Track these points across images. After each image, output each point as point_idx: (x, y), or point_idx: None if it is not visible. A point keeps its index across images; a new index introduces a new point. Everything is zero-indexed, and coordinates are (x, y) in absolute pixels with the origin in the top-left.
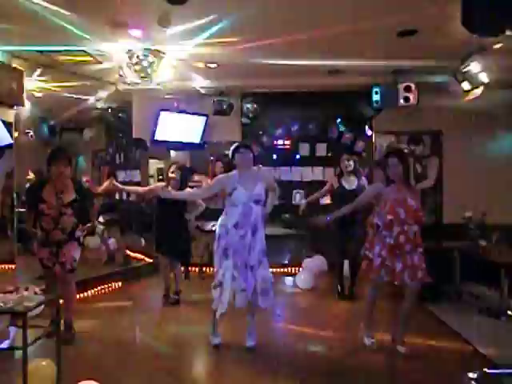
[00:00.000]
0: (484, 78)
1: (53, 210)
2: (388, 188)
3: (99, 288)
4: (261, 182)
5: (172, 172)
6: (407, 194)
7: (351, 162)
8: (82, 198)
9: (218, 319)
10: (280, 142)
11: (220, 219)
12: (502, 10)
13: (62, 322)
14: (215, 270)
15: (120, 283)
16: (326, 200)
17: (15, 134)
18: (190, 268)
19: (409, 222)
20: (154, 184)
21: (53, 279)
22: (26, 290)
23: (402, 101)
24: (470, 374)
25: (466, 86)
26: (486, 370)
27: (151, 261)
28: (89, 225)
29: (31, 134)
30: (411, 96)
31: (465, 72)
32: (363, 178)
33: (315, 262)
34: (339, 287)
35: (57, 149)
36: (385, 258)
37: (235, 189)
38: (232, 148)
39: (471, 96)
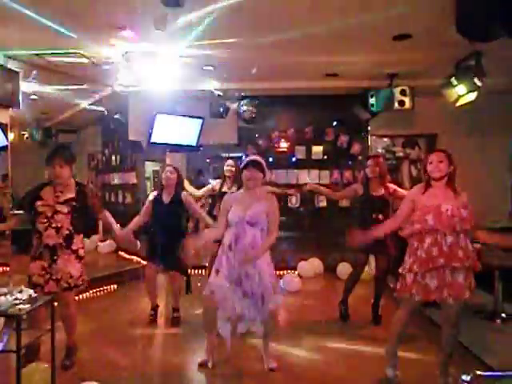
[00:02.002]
0: (478, 82)
1: (47, 208)
2: (424, 194)
3: (94, 290)
4: (260, 204)
5: (167, 172)
6: (446, 198)
7: (377, 168)
8: (83, 196)
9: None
10: (276, 144)
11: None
12: (496, 16)
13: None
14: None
15: (115, 286)
16: (323, 203)
17: (10, 136)
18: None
19: (444, 232)
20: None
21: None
22: (20, 292)
23: (397, 104)
24: (464, 377)
25: (460, 90)
26: (478, 372)
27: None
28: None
29: (27, 135)
30: (406, 100)
31: (459, 76)
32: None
33: (311, 265)
34: (343, 306)
35: (55, 148)
36: (416, 273)
37: (231, 207)
38: (243, 162)
39: (465, 100)
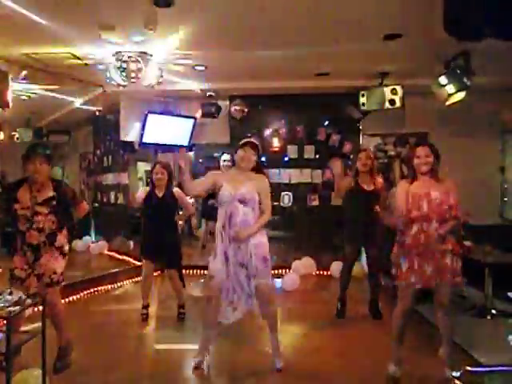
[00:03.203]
0: (467, 81)
1: (26, 210)
2: (412, 185)
3: (87, 292)
4: (251, 183)
5: (157, 173)
6: (432, 187)
7: (369, 161)
8: (62, 195)
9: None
10: (268, 144)
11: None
12: (484, 15)
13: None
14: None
15: (109, 286)
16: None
17: (0, 136)
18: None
19: (430, 219)
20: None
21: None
22: (11, 294)
23: (388, 103)
24: (453, 373)
25: (449, 89)
26: (468, 368)
27: (139, 264)
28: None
29: (17, 136)
30: (397, 99)
31: (448, 76)
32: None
33: (304, 264)
34: (339, 303)
35: (33, 145)
36: (412, 261)
37: (221, 186)
38: (240, 143)
39: (455, 99)
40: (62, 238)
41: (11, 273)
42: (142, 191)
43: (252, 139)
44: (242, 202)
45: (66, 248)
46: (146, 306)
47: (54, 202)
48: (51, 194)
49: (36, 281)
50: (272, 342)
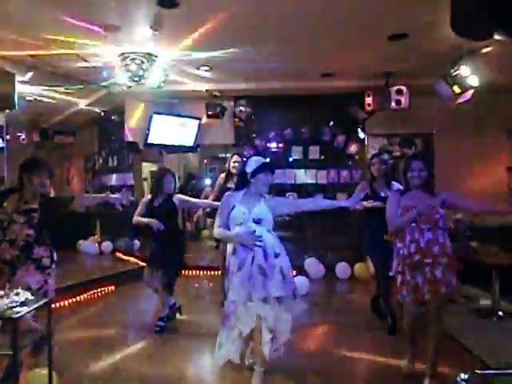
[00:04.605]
0: (473, 81)
1: (3, 216)
2: (404, 196)
3: (91, 292)
4: (264, 204)
5: (170, 183)
6: (424, 199)
7: (383, 167)
8: (44, 205)
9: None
10: (273, 144)
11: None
12: (490, 14)
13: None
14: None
15: (113, 287)
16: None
17: (7, 137)
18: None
19: (421, 229)
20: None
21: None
22: (17, 295)
23: (393, 104)
24: (462, 375)
25: (456, 89)
26: (477, 370)
27: (144, 264)
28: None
29: (23, 137)
30: (403, 99)
31: (455, 75)
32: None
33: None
34: (390, 318)
35: (37, 159)
36: (404, 274)
37: (234, 207)
38: (256, 163)
39: (461, 99)
40: (40, 251)
41: None
42: (138, 213)
43: (265, 159)
44: (257, 222)
45: (47, 261)
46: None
47: (35, 214)
48: (35, 205)
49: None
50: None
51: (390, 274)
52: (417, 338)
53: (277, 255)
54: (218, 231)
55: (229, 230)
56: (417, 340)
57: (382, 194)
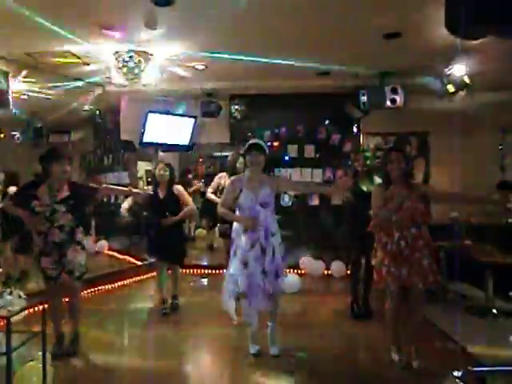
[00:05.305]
0: (467, 80)
1: (45, 208)
2: (388, 190)
3: (87, 291)
4: (268, 187)
5: (160, 169)
6: (408, 194)
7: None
8: (76, 193)
9: (254, 329)
10: (268, 143)
11: (234, 223)
12: (484, 14)
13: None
14: (235, 277)
15: (109, 286)
16: (316, 201)
17: (1, 136)
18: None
19: (408, 225)
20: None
21: (57, 291)
22: (10, 294)
23: (388, 102)
24: (455, 373)
25: (450, 88)
26: (470, 368)
27: (139, 263)
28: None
29: (17, 136)
30: (398, 98)
31: (449, 74)
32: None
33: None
34: (354, 303)
35: (56, 148)
36: (389, 266)
37: (241, 191)
38: (245, 147)
39: (456, 98)
40: (79, 234)
41: (44, 273)
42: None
43: (255, 140)
44: (263, 205)
45: (84, 243)
46: (164, 302)
47: (71, 201)
48: (68, 193)
49: (68, 277)
50: (271, 331)
51: (373, 263)
52: (398, 328)
53: (272, 234)
54: (221, 210)
55: (232, 210)
56: (399, 330)
57: (364, 189)
